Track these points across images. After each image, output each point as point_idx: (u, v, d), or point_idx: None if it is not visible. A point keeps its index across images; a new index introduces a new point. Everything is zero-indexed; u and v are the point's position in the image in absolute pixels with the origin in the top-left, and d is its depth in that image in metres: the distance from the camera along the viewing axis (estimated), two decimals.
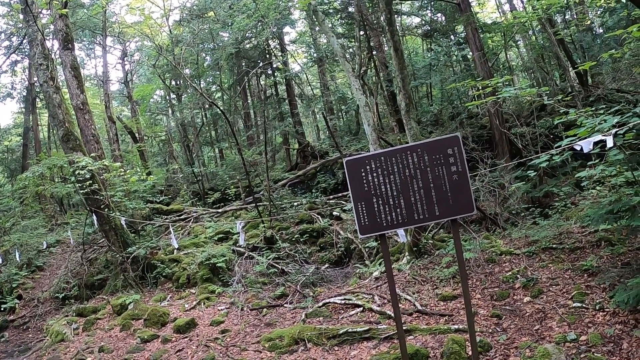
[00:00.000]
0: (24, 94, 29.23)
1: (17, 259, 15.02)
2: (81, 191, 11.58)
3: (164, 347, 7.87)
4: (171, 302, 10.15)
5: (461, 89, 18.37)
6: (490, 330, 5.94)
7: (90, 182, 11.31)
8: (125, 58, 29.59)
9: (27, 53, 26.20)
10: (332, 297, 8.30)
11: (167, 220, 14.79)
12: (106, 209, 11.57)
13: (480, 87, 9.13)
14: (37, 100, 27.81)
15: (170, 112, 30.38)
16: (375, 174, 4.80)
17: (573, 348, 5.05)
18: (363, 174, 4.81)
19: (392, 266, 8.98)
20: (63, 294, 12.53)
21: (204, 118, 27.34)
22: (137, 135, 26.92)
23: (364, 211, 4.80)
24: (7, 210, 22.32)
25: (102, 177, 12.32)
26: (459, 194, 4.63)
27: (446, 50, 22.40)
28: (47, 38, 17.51)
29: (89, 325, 9.83)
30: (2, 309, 12.81)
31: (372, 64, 21.85)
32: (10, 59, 25.87)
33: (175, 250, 12.23)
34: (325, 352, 6.31)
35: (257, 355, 6.68)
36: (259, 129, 25.49)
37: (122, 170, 12.37)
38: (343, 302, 7.84)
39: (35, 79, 27.04)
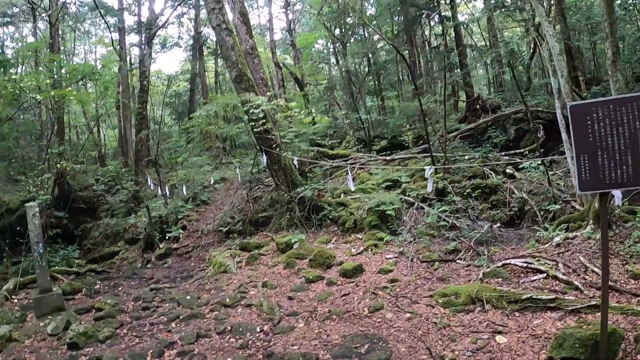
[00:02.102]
0: (191, 42, 31.15)
1: (184, 192, 16.11)
2: (254, 130, 11.89)
3: (329, 290, 7.88)
4: (336, 246, 10.14)
5: None
6: None
7: (263, 121, 11.55)
8: (288, 8, 30.15)
9: (192, 4, 27.74)
10: (510, 258, 7.71)
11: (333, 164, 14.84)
12: (277, 149, 11.78)
13: None
14: (204, 48, 29.44)
15: (332, 60, 30.52)
16: (602, 124, 4.12)
17: None
18: (589, 122, 4.15)
19: (575, 233, 8.21)
20: (227, 228, 13.14)
21: (368, 67, 27.05)
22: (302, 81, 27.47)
23: (587, 165, 4.17)
24: (179, 147, 24.21)
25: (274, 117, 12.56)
26: None
27: None
28: None
29: (252, 260, 10.16)
30: (167, 237, 13.83)
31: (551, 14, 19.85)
32: (177, 10, 27.57)
33: (341, 194, 12.21)
34: (505, 317, 5.83)
35: (430, 310, 6.37)
36: (426, 79, 24.74)
37: (297, 111, 12.40)
38: (524, 265, 7.23)
39: (202, 28, 28.81)
